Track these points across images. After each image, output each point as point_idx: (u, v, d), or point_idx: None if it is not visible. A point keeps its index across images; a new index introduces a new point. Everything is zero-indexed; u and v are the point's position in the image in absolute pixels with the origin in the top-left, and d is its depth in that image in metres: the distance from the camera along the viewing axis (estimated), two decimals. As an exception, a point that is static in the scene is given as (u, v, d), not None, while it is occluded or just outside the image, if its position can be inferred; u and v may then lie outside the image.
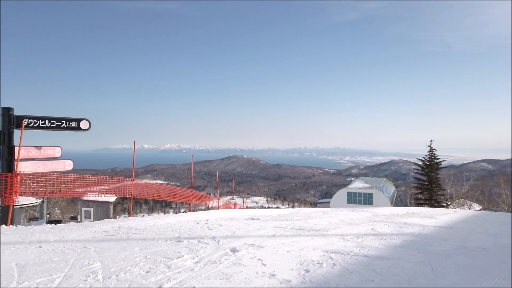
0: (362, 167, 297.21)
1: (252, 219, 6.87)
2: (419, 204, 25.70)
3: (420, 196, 26.46)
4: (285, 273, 3.08)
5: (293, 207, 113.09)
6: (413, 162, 30.02)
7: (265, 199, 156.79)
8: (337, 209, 9.02)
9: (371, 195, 31.39)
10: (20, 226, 6.98)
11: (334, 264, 3.35)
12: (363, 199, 31.62)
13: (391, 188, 39.39)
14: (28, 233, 5.27)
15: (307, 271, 3.13)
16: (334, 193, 36.83)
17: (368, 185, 34.26)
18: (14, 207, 7.70)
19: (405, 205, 34.70)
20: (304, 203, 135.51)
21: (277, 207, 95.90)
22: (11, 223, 7.45)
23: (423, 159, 27.06)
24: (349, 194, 32.75)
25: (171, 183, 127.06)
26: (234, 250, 3.87)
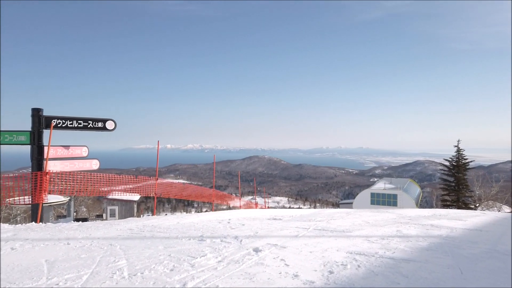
0: (386, 167, 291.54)
1: (274, 219, 6.84)
2: (445, 205, 25.01)
3: (446, 197, 25.73)
4: (309, 274, 3.04)
5: (314, 207, 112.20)
6: (439, 163, 29.24)
7: (286, 199, 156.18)
8: (360, 210, 8.88)
9: (395, 196, 30.76)
10: (49, 223, 7.21)
11: (359, 266, 3.28)
12: (387, 200, 31.01)
13: (416, 189, 38.50)
14: (57, 230, 5.43)
15: (331, 272, 3.08)
16: (357, 194, 36.30)
17: (392, 186, 33.59)
18: (44, 205, 7.96)
19: (431, 207, 33.83)
20: (326, 203, 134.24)
21: (299, 208, 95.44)
22: (41, 220, 7.71)
23: (450, 159, 26.31)
24: (372, 195, 32.20)
25: (193, 182, 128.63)
26: (256, 250, 3.86)
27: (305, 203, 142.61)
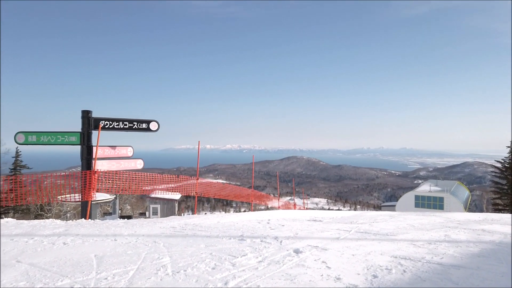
0: (431, 169, 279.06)
1: (314, 220, 6.75)
2: (497, 210, 23.57)
3: (498, 201, 24.27)
4: (351, 277, 2.96)
5: (355, 209, 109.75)
6: (491, 164, 27.57)
7: (325, 201, 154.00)
8: (404, 213, 8.56)
9: (441, 199, 29.38)
10: (97, 220, 7.57)
11: (404, 271, 3.15)
12: (432, 203, 29.68)
13: (464, 192, 36.56)
14: (104, 226, 5.68)
15: (374, 276, 2.98)
16: (400, 196, 35.06)
17: (439, 189, 32.12)
18: (92, 202, 8.36)
19: (481, 211, 31.99)
20: (367, 206, 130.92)
21: (338, 209, 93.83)
22: (89, 217, 8.11)
23: (502, 161, 24.78)
24: (417, 197, 30.96)
25: (231, 182, 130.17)
26: (297, 251, 3.82)
27: (345, 205, 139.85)
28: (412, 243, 4.40)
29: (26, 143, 8.50)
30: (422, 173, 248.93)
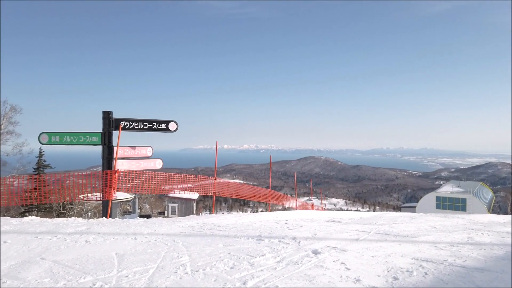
0: (453, 169, 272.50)
1: (333, 221, 6.69)
2: (522, 212, 22.83)
3: (524, 203, 23.48)
4: (371, 279, 2.91)
5: (374, 210, 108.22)
6: (515, 165, 26.75)
7: (343, 201, 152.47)
8: (425, 215, 8.38)
9: (464, 200, 28.64)
10: (117, 218, 7.71)
11: (426, 273, 3.08)
12: (454, 205, 28.97)
13: (488, 194, 35.54)
14: (125, 225, 5.78)
15: (395, 278, 2.93)
16: (421, 197, 34.36)
17: (461, 190, 31.33)
18: (113, 201, 8.52)
19: (505, 213, 31.02)
20: (387, 207, 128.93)
21: (357, 210, 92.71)
22: (110, 216, 8.27)
23: (528, 161, 23.98)
24: (438, 198, 30.27)
25: (249, 182, 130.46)
26: (315, 252, 3.79)
27: (364, 206, 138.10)
28: (434, 245, 4.31)
29: (49, 143, 8.73)
30: (443, 173, 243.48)
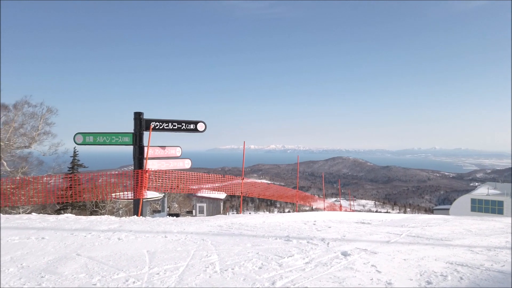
0: (489, 170, 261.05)
1: (362, 223, 6.57)
2: None
3: None
4: (403, 283, 2.84)
5: (404, 212, 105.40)
6: (558, 166, 25.30)
7: (373, 203, 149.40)
8: (460, 217, 8.08)
9: (501, 203, 27.38)
10: (148, 217, 7.89)
11: (461, 278, 2.97)
12: (491, 208, 27.74)
13: (526, 196, 33.83)
14: (155, 224, 5.91)
15: (428, 282, 2.83)
16: (455, 199, 33.14)
17: (498, 192, 29.97)
18: (143, 200, 8.72)
19: (546, 217, 29.39)
20: (418, 209, 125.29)
21: (387, 212, 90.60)
22: (141, 214, 8.47)
23: None
24: (473, 201, 29.08)
25: (275, 182, 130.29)
26: (345, 254, 3.73)
27: (394, 208, 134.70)
28: (469, 249, 4.14)
29: (84, 143, 9.05)
30: (479, 175, 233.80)
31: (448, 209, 31.90)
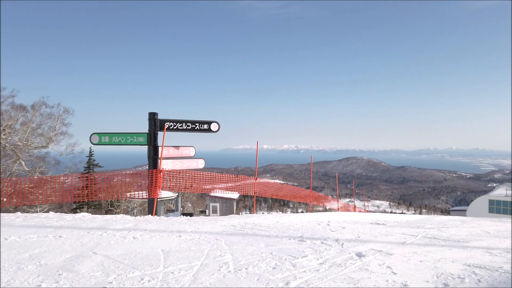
0: (507, 171, 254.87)
1: (377, 223, 6.49)
2: None
3: None
4: (420, 284, 2.79)
5: (420, 213, 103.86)
6: None
7: (387, 204, 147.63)
8: (478, 219, 7.91)
9: (520, 204, 26.71)
10: (162, 216, 7.96)
11: (479, 280, 2.90)
12: (509, 209, 27.07)
13: (547, 197, 32.92)
14: (169, 223, 5.96)
15: (445, 285, 2.78)
16: (472, 200, 32.47)
17: (517, 193, 29.25)
18: (158, 199, 8.80)
19: None
20: (434, 210, 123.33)
21: (402, 213, 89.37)
22: (155, 214, 8.55)
23: None
24: (491, 202, 28.42)
25: (288, 182, 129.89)
26: (359, 255, 3.69)
27: (409, 209, 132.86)
28: (487, 251, 4.05)
29: (99, 143, 9.18)
30: (497, 175, 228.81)
31: (465, 210, 31.25)
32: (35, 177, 11.49)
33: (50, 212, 7.21)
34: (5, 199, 8.24)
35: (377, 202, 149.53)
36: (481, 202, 29.44)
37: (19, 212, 7.47)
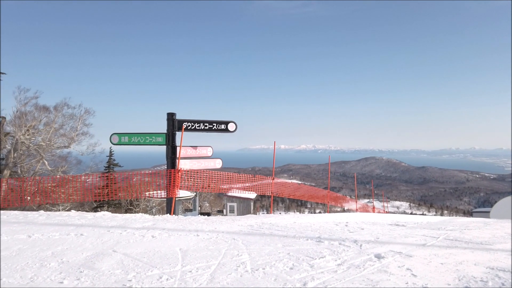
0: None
1: (397, 225, 6.37)
2: None
3: None
4: (441, 287, 2.72)
5: (441, 215, 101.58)
6: None
7: (407, 205, 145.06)
8: (502, 221, 7.67)
9: (546, 206, 25.79)
10: (180, 215, 8.04)
11: (503, 284, 2.80)
12: (535, 211, 26.19)
13: None
14: (187, 222, 6.01)
15: (468, 288, 2.71)
16: (496, 201, 31.56)
17: (543, 194, 28.26)
18: (176, 199, 8.90)
19: None
20: (456, 211, 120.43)
21: (422, 214, 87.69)
22: (174, 213, 8.65)
23: None
24: (515, 203, 27.57)
25: (306, 183, 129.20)
26: (378, 257, 3.63)
27: (430, 210, 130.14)
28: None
29: (119, 143, 9.35)
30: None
31: (488, 212, 30.36)
32: (58, 176, 11.79)
33: (72, 210, 7.40)
34: (29, 198, 8.49)
35: (397, 203, 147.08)
36: (505, 203, 28.53)
37: (42, 210, 7.67)
